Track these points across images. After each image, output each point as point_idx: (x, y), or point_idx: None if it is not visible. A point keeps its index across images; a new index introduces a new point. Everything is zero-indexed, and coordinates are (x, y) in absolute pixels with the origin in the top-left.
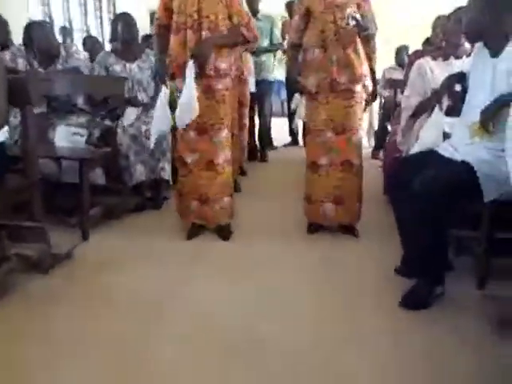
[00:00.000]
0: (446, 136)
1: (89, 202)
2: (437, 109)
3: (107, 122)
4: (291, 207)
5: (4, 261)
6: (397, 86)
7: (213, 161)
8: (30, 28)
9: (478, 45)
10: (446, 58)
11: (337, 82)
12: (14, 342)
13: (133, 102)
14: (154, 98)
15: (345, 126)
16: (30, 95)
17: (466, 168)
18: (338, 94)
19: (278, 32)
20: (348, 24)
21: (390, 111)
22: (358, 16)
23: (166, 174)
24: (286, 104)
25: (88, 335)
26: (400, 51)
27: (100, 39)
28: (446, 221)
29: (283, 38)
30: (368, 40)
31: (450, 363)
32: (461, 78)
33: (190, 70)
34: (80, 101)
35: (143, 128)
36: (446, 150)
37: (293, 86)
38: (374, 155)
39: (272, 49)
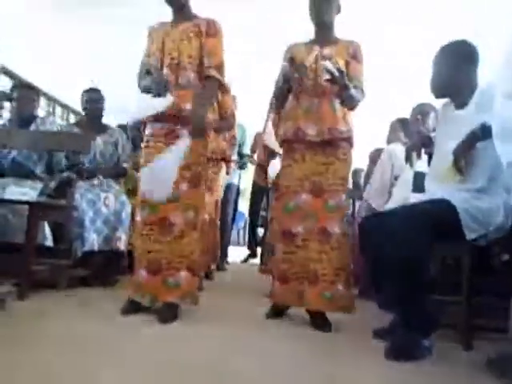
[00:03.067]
0: None
1: (33, 260)
2: (407, 167)
3: (65, 174)
4: (249, 302)
5: None
6: (355, 196)
7: (168, 218)
8: (16, 88)
9: (443, 103)
10: None
11: (302, 132)
12: None
13: (99, 172)
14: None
15: (323, 186)
16: None
17: (445, 205)
18: (316, 151)
19: (249, 143)
20: (324, 70)
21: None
22: (334, 69)
23: (122, 245)
24: (241, 232)
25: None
26: (356, 173)
27: None
28: (427, 265)
29: (253, 151)
30: (345, 104)
31: None
32: (427, 141)
33: (184, 140)
34: (38, 169)
35: (102, 195)
36: (420, 198)
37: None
38: None
39: (240, 162)
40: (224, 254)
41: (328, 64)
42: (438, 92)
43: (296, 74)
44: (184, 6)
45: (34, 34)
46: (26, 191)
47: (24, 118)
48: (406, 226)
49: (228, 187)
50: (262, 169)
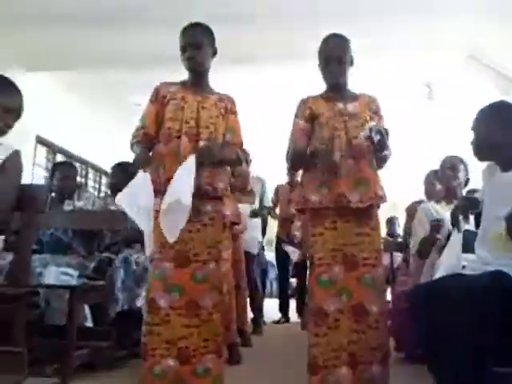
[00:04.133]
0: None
1: (74, 344)
2: (455, 231)
3: (105, 254)
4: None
5: None
6: (392, 249)
7: (197, 302)
8: (57, 167)
9: (487, 165)
10: (449, 202)
11: (345, 197)
12: None
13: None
14: None
15: (357, 258)
16: (38, 203)
17: (505, 278)
18: (348, 218)
19: (269, 195)
20: (371, 138)
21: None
22: (383, 130)
23: (139, 302)
24: (274, 283)
25: None
26: (391, 222)
27: None
28: (490, 341)
29: (275, 205)
30: (378, 164)
31: None
32: (473, 203)
33: (191, 163)
34: (75, 243)
35: (135, 256)
36: (473, 269)
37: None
38: None
39: (262, 212)
40: (259, 315)
41: (374, 125)
42: (482, 155)
43: (322, 158)
44: (205, 74)
45: (66, 104)
46: (65, 270)
47: (63, 195)
48: (467, 302)
49: (250, 244)
50: (285, 223)
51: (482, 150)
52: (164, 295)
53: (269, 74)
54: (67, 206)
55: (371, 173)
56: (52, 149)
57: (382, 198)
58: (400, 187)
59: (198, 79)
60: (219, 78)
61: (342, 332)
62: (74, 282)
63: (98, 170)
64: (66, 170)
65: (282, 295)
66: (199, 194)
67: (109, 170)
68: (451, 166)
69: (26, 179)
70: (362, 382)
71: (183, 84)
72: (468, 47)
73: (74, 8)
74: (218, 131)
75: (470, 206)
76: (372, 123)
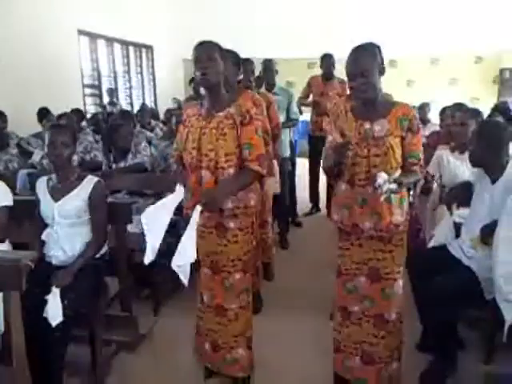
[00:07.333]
0: (456, 226)
1: (160, 281)
2: (447, 214)
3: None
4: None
5: (106, 345)
6: None
7: (222, 305)
8: (112, 128)
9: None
10: (462, 152)
11: (359, 227)
12: None
13: None
14: None
15: (380, 273)
16: (129, 217)
17: (470, 274)
18: (372, 237)
19: (295, 106)
20: (378, 190)
21: None
22: (390, 185)
23: None
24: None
25: None
26: (422, 108)
27: (141, 93)
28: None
29: (307, 97)
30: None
31: None
32: (467, 187)
33: (196, 213)
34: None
35: None
36: (455, 249)
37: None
38: None
39: (289, 125)
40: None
41: (380, 179)
42: (474, 164)
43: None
44: (220, 87)
45: None
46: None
47: (121, 151)
48: (440, 297)
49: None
50: (318, 119)
51: (474, 162)
52: (204, 293)
53: None
54: (131, 160)
55: (386, 206)
56: (93, 37)
57: (400, 225)
58: (440, 40)
59: (211, 94)
60: None
61: (364, 331)
62: None
63: (138, 46)
64: (123, 129)
65: (312, 187)
66: (225, 213)
67: (149, 44)
68: (461, 123)
69: (74, 68)
70: (384, 380)
71: (202, 102)
72: None
73: None
74: (219, 154)
75: (463, 193)
76: (379, 178)
